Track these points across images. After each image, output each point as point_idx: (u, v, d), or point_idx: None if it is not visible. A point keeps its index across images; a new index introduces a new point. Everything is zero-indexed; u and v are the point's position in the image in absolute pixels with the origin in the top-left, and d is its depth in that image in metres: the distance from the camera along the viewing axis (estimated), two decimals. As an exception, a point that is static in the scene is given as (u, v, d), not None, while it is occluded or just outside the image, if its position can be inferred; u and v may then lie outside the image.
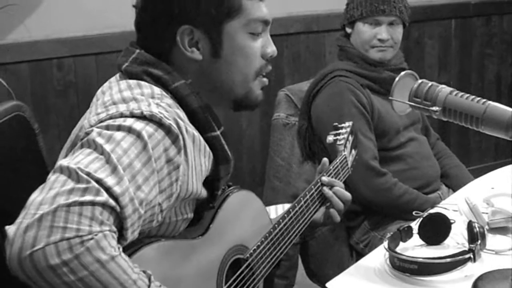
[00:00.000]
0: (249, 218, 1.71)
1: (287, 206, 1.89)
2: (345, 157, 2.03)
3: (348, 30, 2.77)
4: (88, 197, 1.21)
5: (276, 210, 1.97)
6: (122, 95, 1.45)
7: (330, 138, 2.05)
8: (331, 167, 1.94)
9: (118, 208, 1.25)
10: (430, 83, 1.59)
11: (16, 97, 3.01)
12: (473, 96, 1.53)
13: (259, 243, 1.65)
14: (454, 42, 4.52)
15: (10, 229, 1.19)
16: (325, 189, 1.88)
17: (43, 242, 1.17)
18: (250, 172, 3.87)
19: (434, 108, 1.55)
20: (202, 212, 1.58)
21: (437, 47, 4.46)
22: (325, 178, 1.89)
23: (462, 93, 1.54)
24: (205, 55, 1.56)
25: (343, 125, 2.11)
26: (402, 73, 1.67)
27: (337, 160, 1.98)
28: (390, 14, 2.68)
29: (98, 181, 1.24)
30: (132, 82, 1.50)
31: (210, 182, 1.56)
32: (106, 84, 1.56)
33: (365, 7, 2.67)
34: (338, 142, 2.03)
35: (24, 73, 3.20)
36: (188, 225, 1.56)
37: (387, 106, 2.63)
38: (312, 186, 1.86)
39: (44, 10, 3.21)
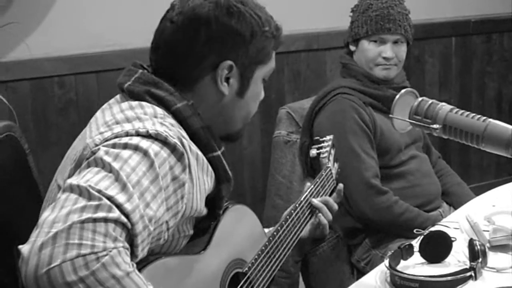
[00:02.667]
0: (245, 231, 1.73)
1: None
2: (330, 170, 2.08)
3: (352, 47, 2.77)
4: (101, 214, 1.22)
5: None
6: (125, 115, 1.46)
7: (313, 151, 2.09)
8: (317, 180, 1.98)
9: (129, 225, 1.26)
10: (430, 101, 1.59)
11: (17, 115, 3.02)
12: (474, 114, 1.53)
13: (256, 256, 1.67)
14: (455, 60, 4.53)
15: (24, 248, 1.19)
16: (314, 200, 1.91)
17: (59, 259, 1.17)
18: (251, 190, 3.86)
19: (435, 126, 1.55)
20: (202, 229, 1.59)
21: (438, 65, 4.47)
22: (314, 201, 1.93)
23: (463, 111, 1.55)
24: (231, 92, 1.62)
25: (324, 138, 2.15)
26: (403, 91, 1.68)
27: (323, 172, 2.02)
28: (396, 32, 2.69)
29: (110, 198, 1.25)
30: (134, 102, 1.51)
31: (212, 201, 1.57)
32: (105, 105, 1.58)
33: (370, 25, 2.68)
34: (321, 156, 2.08)
35: (25, 91, 3.21)
36: (188, 240, 1.57)
37: (389, 124, 2.62)
38: (302, 199, 1.88)
39: (45, 29, 3.22)
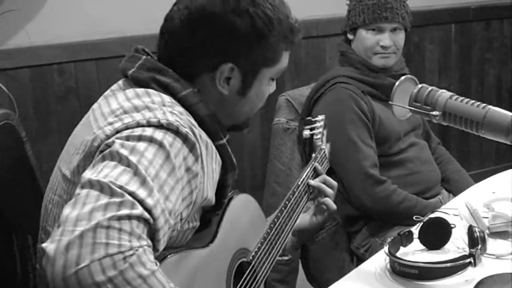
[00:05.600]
0: (248, 221, 1.73)
1: None
2: (324, 151, 2.09)
3: (350, 36, 2.76)
4: (124, 211, 1.21)
5: None
6: (132, 104, 1.44)
7: (306, 132, 2.09)
8: (312, 162, 1.99)
9: (151, 220, 1.25)
10: (430, 88, 1.59)
11: (17, 103, 3.02)
12: (473, 101, 1.53)
13: (259, 245, 1.67)
14: (454, 46, 4.52)
15: (49, 247, 1.18)
16: (311, 181, 1.93)
17: (87, 259, 1.16)
18: (250, 177, 3.86)
19: (434, 113, 1.55)
20: (208, 220, 1.59)
21: (437, 52, 4.46)
22: (312, 182, 1.95)
23: (462, 98, 1.55)
24: (231, 91, 1.58)
25: (316, 118, 2.15)
26: (402, 78, 1.68)
27: (318, 155, 2.04)
28: (393, 21, 2.68)
29: (131, 194, 1.24)
30: (140, 90, 1.49)
31: (218, 190, 1.56)
32: (108, 92, 1.56)
33: (367, 14, 2.67)
34: (315, 137, 2.08)
35: (24, 79, 3.20)
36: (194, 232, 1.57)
37: (388, 112, 2.63)
38: (299, 183, 1.90)
39: (44, 16, 3.21)
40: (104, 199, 1.22)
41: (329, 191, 1.95)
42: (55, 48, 3.25)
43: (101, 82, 3.31)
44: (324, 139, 2.14)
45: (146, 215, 1.23)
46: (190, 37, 1.54)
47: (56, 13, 3.24)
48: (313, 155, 2.04)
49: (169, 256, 1.40)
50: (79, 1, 3.28)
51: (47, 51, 3.23)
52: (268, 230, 1.71)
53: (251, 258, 1.64)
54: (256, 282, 1.65)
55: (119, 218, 1.20)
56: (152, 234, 1.26)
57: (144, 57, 1.56)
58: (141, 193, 1.25)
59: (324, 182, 1.96)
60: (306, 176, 1.94)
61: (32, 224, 1.55)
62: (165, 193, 1.30)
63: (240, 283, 1.60)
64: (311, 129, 2.10)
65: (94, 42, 3.33)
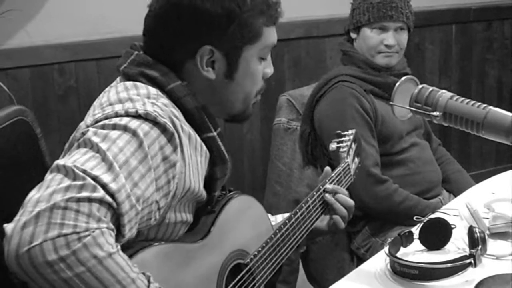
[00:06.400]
0: (250, 223, 1.71)
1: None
2: (348, 165, 2.03)
3: (353, 35, 2.76)
4: (84, 194, 1.23)
5: (283, 217, 1.97)
6: (118, 96, 1.47)
7: (333, 145, 2.05)
8: (333, 174, 1.93)
9: (114, 205, 1.26)
10: (430, 88, 1.59)
11: (17, 102, 3.01)
12: (474, 101, 1.53)
13: (260, 248, 1.65)
14: (455, 47, 4.52)
15: (8, 227, 1.21)
16: (327, 195, 1.86)
17: (40, 238, 1.18)
18: (251, 177, 3.86)
19: (435, 113, 1.55)
20: (202, 216, 1.59)
21: (438, 52, 4.46)
22: (328, 186, 1.88)
23: (463, 98, 1.54)
24: (219, 75, 1.58)
25: (346, 132, 2.11)
26: (403, 78, 1.68)
27: (340, 168, 1.98)
28: (398, 20, 2.68)
29: (94, 178, 1.25)
30: (129, 83, 1.51)
31: (207, 183, 1.57)
32: (107, 88, 1.58)
33: (372, 13, 2.67)
34: (341, 150, 2.03)
35: (25, 78, 3.20)
36: (187, 229, 1.57)
37: (390, 111, 2.62)
38: (314, 193, 1.85)
39: (45, 15, 3.21)
40: (66, 182, 1.24)
41: (342, 211, 1.87)
42: (56, 48, 3.25)
43: (101, 82, 3.31)
44: (352, 153, 2.09)
45: (108, 198, 1.25)
46: (163, 29, 1.56)
47: (57, 12, 3.24)
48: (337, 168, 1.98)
49: (154, 244, 1.40)
50: (79, 1, 3.29)
51: (47, 51, 3.23)
52: (272, 236, 1.68)
53: (248, 260, 1.63)
54: (254, 285, 1.64)
55: (78, 200, 1.22)
56: (117, 218, 1.28)
57: (136, 52, 1.59)
58: (105, 177, 1.26)
59: (338, 200, 1.87)
60: (323, 187, 1.88)
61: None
62: (134, 180, 1.31)
63: (233, 283, 1.58)
64: (338, 143, 2.06)
65: (94, 42, 3.33)
